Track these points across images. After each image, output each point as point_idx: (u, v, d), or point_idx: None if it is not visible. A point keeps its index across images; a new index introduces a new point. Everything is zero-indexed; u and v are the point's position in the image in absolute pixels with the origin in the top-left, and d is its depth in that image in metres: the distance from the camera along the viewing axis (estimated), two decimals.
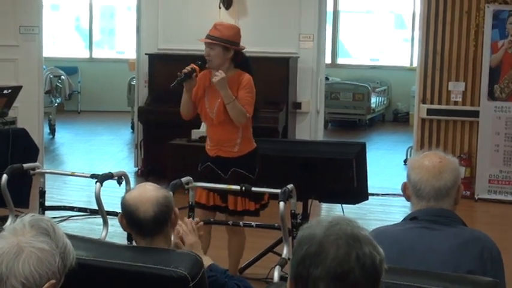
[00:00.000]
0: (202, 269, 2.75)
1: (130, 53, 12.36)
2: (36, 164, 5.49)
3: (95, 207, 5.08)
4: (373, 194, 7.15)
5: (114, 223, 4.84)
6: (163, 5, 9.15)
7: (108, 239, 4.92)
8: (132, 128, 11.75)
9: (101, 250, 2.84)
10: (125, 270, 2.74)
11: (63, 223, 6.68)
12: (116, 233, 5.56)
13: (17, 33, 8.90)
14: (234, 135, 5.01)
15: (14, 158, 6.30)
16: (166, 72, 8.63)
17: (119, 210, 3.09)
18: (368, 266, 1.78)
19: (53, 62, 13.22)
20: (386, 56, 15.09)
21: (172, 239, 3.15)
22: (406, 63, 14.58)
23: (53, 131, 12.04)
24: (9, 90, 6.99)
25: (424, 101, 8.39)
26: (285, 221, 4.52)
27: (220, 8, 8.74)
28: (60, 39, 15.53)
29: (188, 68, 4.93)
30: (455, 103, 8.31)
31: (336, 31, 14.94)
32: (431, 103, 8.37)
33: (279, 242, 5.33)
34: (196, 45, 5.75)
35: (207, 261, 3.22)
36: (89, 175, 5.13)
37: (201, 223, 3.45)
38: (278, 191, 4.52)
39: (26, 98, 8.19)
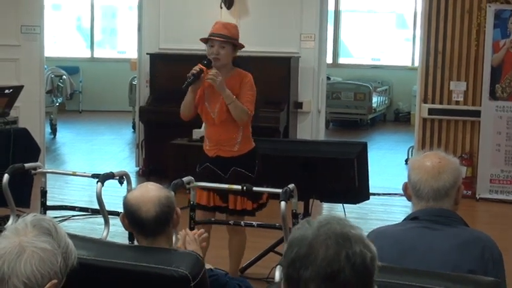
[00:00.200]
0: (204, 268, 2.75)
1: (132, 53, 12.37)
2: (38, 163, 5.49)
3: (96, 207, 5.08)
4: (374, 194, 7.16)
5: (115, 223, 4.85)
6: (164, 5, 9.15)
7: (109, 239, 4.92)
8: (134, 127, 11.76)
9: (102, 250, 2.84)
10: (126, 269, 2.74)
11: (65, 223, 6.69)
12: (117, 233, 5.56)
13: (19, 32, 8.90)
14: (235, 134, 5.02)
15: (15, 158, 6.30)
16: (167, 72, 8.64)
17: (120, 210, 3.09)
18: (358, 265, 1.78)
19: (55, 62, 13.23)
20: (387, 55, 15.08)
21: (174, 240, 3.15)
22: (408, 63, 14.59)
23: (54, 131, 12.05)
24: (11, 90, 6.99)
25: (425, 101, 8.39)
26: (286, 220, 4.52)
27: (221, 7, 8.74)
28: (62, 39, 15.54)
29: (196, 68, 4.92)
30: (457, 103, 8.30)
31: (338, 31, 14.94)
32: (433, 103, 8.37)
33: (280, 241, 5.33)
34: (198, 45, 5.76)
35: (207, 266, 3.22)
36: (90, 175, 5.13)
37: (206, 234, 3.44)
38: (279, 190, 4.52)
39: (27, 98, 8.20)
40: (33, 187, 6.48)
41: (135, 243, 3.08)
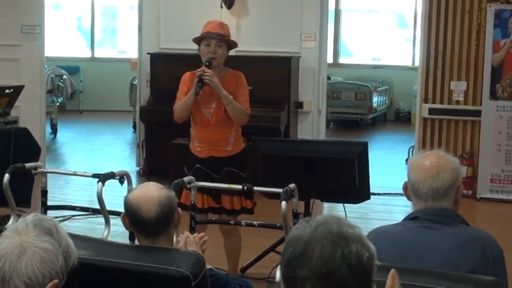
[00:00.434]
0: (204, 268, 2.75)
1: (132, 53, 12.35)
2: (38, 163, 5.49)
3: (97, 206, 5.08)
4: (375, 194, 7.16)
5: (116, 222, 4.84)
6: (165, 5, 9.15)
7: (110, 239, 4.92)
8: (134, 127, 11.75)
9: (102, 249, 2.84)
10: (127, 269, 2.74)
11: (65, 222, 6.69)
12: (118, 233, 5.56)
13: (19, 32, 8.90)
14: (229, 134, 5.05)
15: (15, 158, 6.30)
16: (168, 71, 8.63)
17: (120, 209, 3.09)
18: (354, 265, 1.78)
19: (55, 62, 13.22)
20: (388, 55, 15.07)
21: (174, 241, 3.15)
22: (408, 63, 14.58)
23: (54, 131, 12.05)
24: (11, 90, 6.99)
25: (426, 101, 8.39)
26: (287, 220, 4.52)
27: (222, 7, 8.74)
28: (62, 38, 15.53)
29: (200, 71, 4.90)
30: (457, 102, 8.30)
31: (338, 30, 14.93)
32: (433, 102, 8.37)
33: (280, 241, 5.33)
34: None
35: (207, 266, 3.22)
36: (90, 174, 5.13)
37: (207, 237, 3.44)
38: (280, 190, 4.52)
39: (27, 98, 8.20)
40: (33, 187, 6.48)
41: (136, 243, 3.08)
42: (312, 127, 8.83)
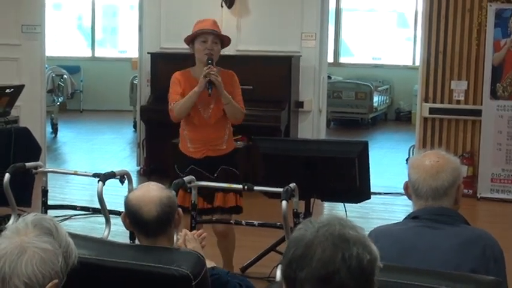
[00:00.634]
0: (205, 267, 2.75)
1: (133, 52, 12.36)
2: (39, 163, 5.49)
3: (97, 206, 5.08)
4: (375, 193, 7.15)
5: (116, 222, 4.84)
6: (165, 4, 9.15)
7: (110, 238, 4.92)
8: (135, 127, 11.76)
9: (103, 249, 2.84)
10: (127, 269, 2.74)
11: (66, 222, 6.69)
12: (118, 232, 5.56)
13: (19, 32, 8.90)
14: (223, 132, 5.06)
15: (16, 157, 6.30)
16: (168, 71, 8.56)
17: (121, 209, 3.09)
18: (354, 267, 1.77)
19: (55, 61, 13.23)
20: (388, 54, 15.08)
21: (175, 240, 3.15)
22: (409, 62, 14.58)
23: (55, 130, 12.05)
24: (12, 89, 6.99)
25: (426, 100, 8.39)
26: (287, 220, 4.52)
27: (222, 6, 8.74)
28: (63, 38, 15.54)
29: (208, 70, 4.88)
30: (458, 102, 8.30)
31: (338, 30, 14.94)
32: (434, 102, 8.37)
33: (281, 241, 5.33)
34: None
35: (209, 264, 3.22)
36: (91, 174, 5.13)
37: (205, 234, 3.44)
38: (280, 190, 4.52)
39: (28, 97, 8.20)
40: (34, 186, 6.48)
41: (136, 242, 3.07)
42: (312, 126, 8.83)
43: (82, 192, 8.01)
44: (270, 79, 8.29)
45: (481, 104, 8.09)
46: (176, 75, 5.10)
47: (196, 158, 5.02)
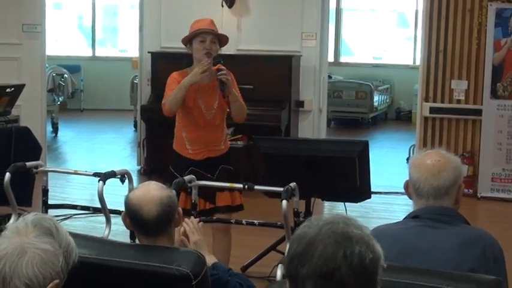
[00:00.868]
0: (205, 267, 2.75)
1: (133, 52, 12.36)
2: (39, 162, 5.49)
3: (98, 205, 5.08)
4: (375, 193, 7.15)
5: (116, 221, 4.84)
6: (166, 4, 9.15)
7: (110, 237, 4.92)
8: (135, 126, 11.75)
9: (103, 248, 2.84)
10: (127, 268, 2.74)
11: (66, 221, 6.68)
12: (119, 231, 5.56)
13: (20, 31, 8.91)
14: (221, 132, 5.06)
15: (16, 157, 6.30)
16: (168, 70, 8.57)
17: (121, 208, 3.09)
18: (356, 265, 1.77)
19: (56, 61, 13.23)
20: (389, 54, 15.08)
21: (176, 237, 3.15)
22: (409, 62, 14.58)
23: (55, 130, 12.05)
24: (12, 89, 6.99)
25: (426, 100, 8.39)
26: (288, 219, 4.52)
27: (222, 6, 8.74)
28: (63, 37, 15.54)
29: (219, 70, 4.87)
30: (458, 101, 8.31)
31: (339, 29, 14.93)
32: (434, 101, 8.37)
33: (281, 240, 5.33)
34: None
35: (210, 259, 3.22)
36: (91, 173, 5.13)
37: (201, 223, 3.44)
38: (281, 189, 4.52)
39: (28, 97, 8.20)
40: (34, 186, 6.48)
41: (137, 242, 3.08)
42: (312, 126, 8.83)
43: (82, 191, 8.01)
44: (270, 79, 8.29)
45: (482, 104, 8.09)
46: (174, 75, 5.08)
47: (197, 159, 4.99)
